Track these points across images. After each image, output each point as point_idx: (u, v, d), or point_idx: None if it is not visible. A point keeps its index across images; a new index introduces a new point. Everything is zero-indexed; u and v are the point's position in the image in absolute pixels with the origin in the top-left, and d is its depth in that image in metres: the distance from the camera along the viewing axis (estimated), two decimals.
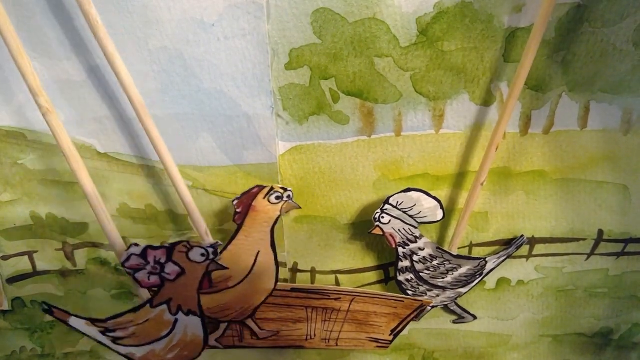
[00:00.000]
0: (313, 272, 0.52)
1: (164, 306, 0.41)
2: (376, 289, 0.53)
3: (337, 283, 0.53)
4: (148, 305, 0.41)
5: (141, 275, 0.39)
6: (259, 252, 0.45)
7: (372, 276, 0.53)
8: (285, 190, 0.44)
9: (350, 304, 0.51)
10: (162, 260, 0.39)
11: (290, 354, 0.57)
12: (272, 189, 0.44)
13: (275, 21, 0.40)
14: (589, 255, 0.52)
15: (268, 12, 0.40)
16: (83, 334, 0.42)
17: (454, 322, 0.55)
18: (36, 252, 0.52)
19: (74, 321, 0.42)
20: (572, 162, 0.47)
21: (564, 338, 0.58)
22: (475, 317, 0.54)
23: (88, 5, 0.36)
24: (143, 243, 0.50)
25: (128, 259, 0.38)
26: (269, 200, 0.44)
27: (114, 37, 0.40)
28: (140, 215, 0.49)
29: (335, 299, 0.50)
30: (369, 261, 0.52)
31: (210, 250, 0.40)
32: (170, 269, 0.39)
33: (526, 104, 0.44)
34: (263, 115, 0.44)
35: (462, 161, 0.47)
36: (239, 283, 0.46)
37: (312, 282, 0.53)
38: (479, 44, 0.42)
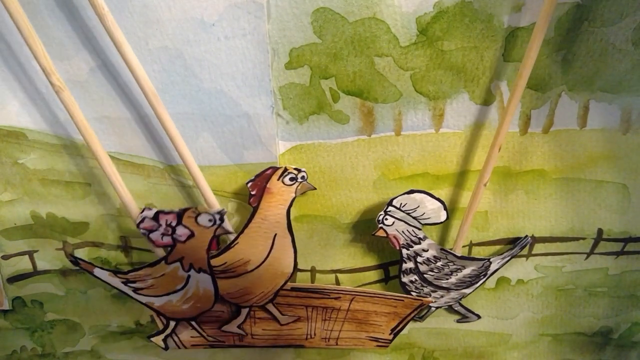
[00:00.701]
0: (313, 271, 0.52)
1: (177, 263, 0.45)
2: (376, 288, 0.53)
3: (337, 282, 0.53)
4: (163, 262, 0.45)
5: (155, 236, 0.43)
6: (275, 234, 0.45)
7: (372, 275, 0.53)
8: (299, 171, 0.44)
9: (350, 303, 0.51)
10: (173, 224, 0.42)
11: (290, 353, 0.57)
12: (285, 169, 0.44)
13: (276, 21, 0.40)
14: (589, 255, 0.52)
15: (268, 11, 0.40)
16: (107, 283, 0.46)
17: (458, 321, 0.55)
18: (36, 251, 0.52)
19: (98, 272, 0.46)
20: (572, 161, 0.47)
21: (563, 337, 0.58)
22: (479, 317, 0.54)
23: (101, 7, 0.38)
24: (144, 242, 0.50)
25: (142, 220, 0.42)
26: (283, 182, 0.44)
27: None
28: None
29: (335, 298, 0.50)
30: (369, 260, 0.52)
31: (217, 216, 0.43)
32: (181, 231, 0.43)
33: (526, 103, 0.45)
34: (263, 114, 0.44)
35: (462, 160, 0.47)
36: (257, 267, 0.46)
37: (312, 282, 0.53)
38: (478, 43, 0.42)
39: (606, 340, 0.58)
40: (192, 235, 0.43)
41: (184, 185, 0.48)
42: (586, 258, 0.52)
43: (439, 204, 0.45)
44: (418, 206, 0.45)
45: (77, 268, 0.46)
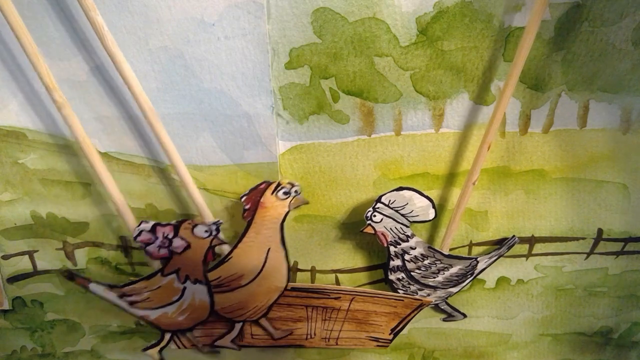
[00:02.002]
0: (313, 271, 0.53)
1: (174, 275, 0.45)
2: (376, 288, 0.53)
3: (337, 282, 0.53)
4: (159, 274, 0.45)
5: (151, 248, 0.43)
6: (269, 249, 0.45)
7: (372, 275, 0.53)
8: (293, 185, 0.44)
9: (350, 303, 0.51)
10: (170, 236, 0.43)
11: (290, 353, 0.57)
12: (279, 184, 0.44)
13: (276, 21, 0.40)
14: (589, 254, 0.52)
15: (268, 11, 0.40)
16: (103, 298, 0.47)
17: (444, 320, 0.55)
18: (37, 251, 0.52)
19: (94, 287, 0.47)
20: (572, 161, 0.47)
21: (563, 337, 0.58)
22: (465, 316, 0.54)
23: (94, 12, 0.38)
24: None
25: (139, 234, 0.43)
26: (277, 196, 0.44)
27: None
28: (141, 214, 0.49)
29: (335, 298, 0.50)
30: (369, 260, 0.52)
31: (213, 227, 0.44)
32: (178, 243, 0.43)
33: (526, 103, 0.45)
34: (263, 114, 0.44)
35: (462, 160, 0.47)
36: (251, 281, 0.46)
37: (312, 281, 0.53)
38: (478, 43, 0.42)
39: (606, 340, 0.58)
40: (188, 246, 0.44)
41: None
42: (586, 258, 0.52)
43: (427, 201, 0.45)
44: (407, 203, 0.45)
45: (77, 268, 0.46)
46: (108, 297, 0.47)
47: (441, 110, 0.45)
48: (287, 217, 0.49)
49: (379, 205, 0.45)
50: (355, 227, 0.50)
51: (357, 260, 0.52)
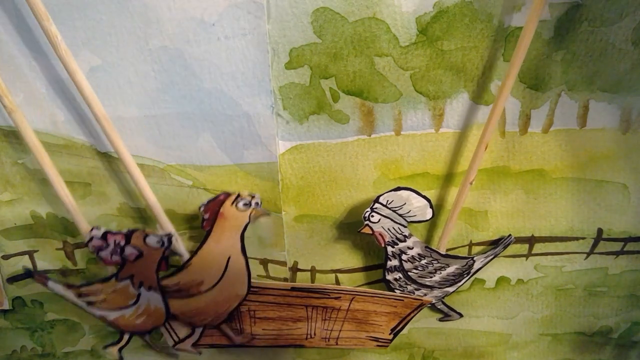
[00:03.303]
0: (313, 271, 0.53)
1: (128, 281, 0.46)
2: (376, 288, 0.53)
3: (337, 282, 0.53)
4: (114, 278, 0.46)
5: (104, 254, 0.44)
6: (229, 257, 0.46)
7: (372, 275, 0.53)
8: (253, 197, 0.44)
9: (350, 303, 0.51)
10: (122, 244, 0.44)
11: (290, 353, 0.57)
12: (238, 195, 0.44)
13: (275, 20, 0.40)
14: (589, 254, 0.52)
15: (268, 11, 0.40)
16: (61, 296, 0.47)
17: (440, 320, 0.55)
18: (36, 251, 0.52)
19: (52, 284, 0.48)
20: (572, 160, 0.47)
21: (563, 337, 0.58)
22: (461, 315, 0.54)
23: (47, 22, 0.38)
24: None
25: (90, 239, 0.44)
26: (236, 207, 0.44)
27: (114, 37, 0.41)
28: (141, 214, 0.49)
29: (335, 298, 0.50)
30: (369, 260, 0.52)
31: (165, 238, 0.45)
32: (129, 251, 0.44)
33: (525, 103, 0.45)
34: (263, 114, 0.44)
35: (462, 160, 0.47)
36: (210, 288, 0.47)
37: (312, 281, 0.53)
38: (478, 43, 0.42)
39: (606, 340, 0.58)
40: (140, 255, 0.45)
41: (183, 185, 0.48)
42: (586, 258, 0.52)
43: (425, 201, 0.45)
44: (404, 203, 0.45)
45: (77, 268, 0.47)
46: (67, 295, 0.47)
47: (441, 110, 0.45)
48: (287, 217, 0.49)
49: (376, 205, 0.45)
50: (355, 227, 0.50)
51: (357, 260, 0.52)
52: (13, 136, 0.46)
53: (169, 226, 0.47)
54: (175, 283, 0.47)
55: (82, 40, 0.41)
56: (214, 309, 0.48)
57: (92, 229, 0.44)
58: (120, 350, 0.50)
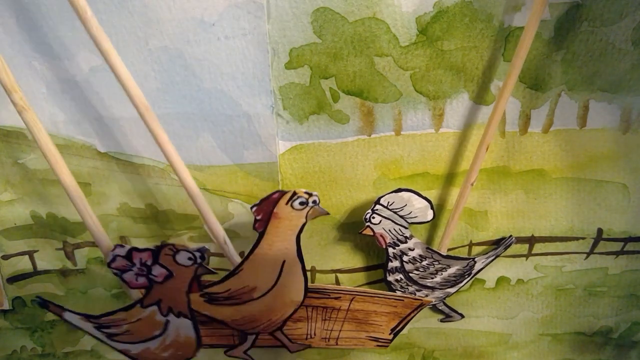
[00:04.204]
0: (313, 271, 0.53)
1: (155, 307, 0.41)
2: (376, 288, 0.53)
3: (337, 282, 0.53)
4: (139, 305, 0.41)
5: (129, 276, 0.39)
6: (284, 262, 0.43)
7: (372, 275, 0.53)
8: (311, 194, 0.40)
9: (350, 303, 0.51)
10: (149, 263, 0.39)
11: (290, 352, 0.57)
12: (294, 193, 0.40)
13: (275, 20, 0.40)
14: (589, 254, 0.52)
15: (268, 11, 0.40)
16: (79, 328, 0.43)
17: (442, 320, 0.55)
18: (36, 251, 0.52)
19: (68, 315, 0.43)
20: (572, 160, 0.47)
21: (563, 337, 0.58)
22: (462, 316, 0.54)
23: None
24: (144, 242, 0.50)
25: (113, 259, 0.38)
26: (292, 206, 0.40)
27: (114, 37, 0.41)
28: (141, 214, 0.49)
29: (335, 298, 0.50)
30: (369, 260, 0.52)
31: (198, 254, 0.39)
32: (158, 271, 0.39)
33: (525, 103, 0.45)
34: (263, 114, 0.44)
35: (462, 160, 0.47)
36: (264, 294, 0.44)
37: (312, 281, 0.53)
38: (478, 43, 0.42)
39: (606, 340, 0.58)
40: (170, 275, 0.39)
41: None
42: (586, 258, 0.52)
43: (426, 202, 0.45)
44: (405, 205, 0.45)
45: (77, 268, 0.46)
46: (84, 327, 0.43)
47: (441, 110, 0.45)
48: None
49: (377, 207, 0.45)
50: (355, 227, 0.50)
51: (357, 260, 0.52)
52: (13, 136, 0.46)
53: (217, 227, 0.43)
54: (226, 290, 0.43)
55: (82, 40, 0.41)
56: (267, 316, 0.45)
57: (114, 247, 0.38)
58: None
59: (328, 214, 0.43)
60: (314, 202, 0.41)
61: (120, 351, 0.43)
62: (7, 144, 0.46)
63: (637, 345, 0.58)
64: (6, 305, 0.54)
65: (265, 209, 0.40)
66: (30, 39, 0.41)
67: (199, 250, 0.39)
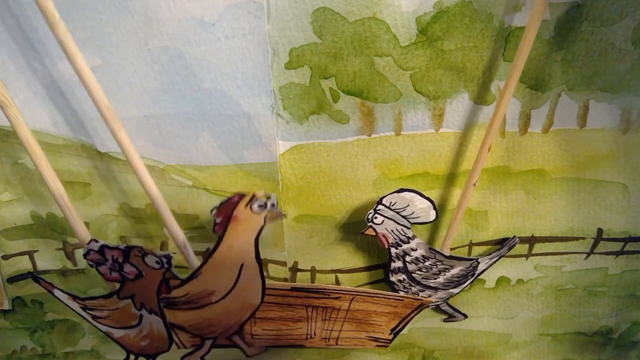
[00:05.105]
0: (313, 271, 0.53)
1: (129, 300, 0.44)
2: (376, 288, 0.53)
3: (337, 282, 0.53)
4: (116, 295, 0.44)
5: (103, 269, 0.42)
6: (242, 264, 0.43)
7: (372, 275, 0.53)
8: (269, 197, 0.41)
9: (350, 303, 0.51)
10: (120, 260, 0.41)
11: (290, 353, 0.57)
12: (253, 196, 0.40)
13: (276, 20, 0.40)
14: (589, 254, 0.52)
15: (268, 11, 0.40)
16: (67, 305, 0.46)
17: (445, 320, 0.55)
18: (37, 251, 0.52)
19: (58, 293, 0.46)
20: (572, 160, 0.47)
21: (563, 337, 0.58)
22: (466, 316, 0.54)
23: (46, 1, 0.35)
24: (144, 242, 0.51)
25: (88, 252, 0.41)
26: (251, 209, 0.41)
27: (114, 37, 0.41)
28: (141, 214, 0.49)
29: (335, 298, 0.50)
30: (369, 260, 0.52)
31: (164, 259, 0.41)
32: (128, 269, 0.41)
33: (525, 103, 0.45)
34: (263, 114, 0.44)
35: (462, 160, 0.47)
36: (222, 298, 0.44)
37: (312, 281, 0.53)
38: (478, 43, 0.42)
39: (606, 340, 0.58)
40: (140, 274, 0.41)
41: (183, 185, 0.48)
42: (586, 258, 0.52)
43: (428, 203, 0.45)
44: (408, 205, 0.45)
45: (77, 268, 0.46)
46: (71, 306, 0.46)
47: (441, 110, 0.45)
48: (287, 217, 0.49)
49: (380, 207, 0.45)
50: (355, 227, 0.50)
51: (357, 260, 0.52)
52: (13, 136, 0.46)
53: (177, 229, 0.44)
54: (185, 294, 0.44)
55: (82, 40, 0.41)
56: (225, 320, 0.46)
57: (89, 241, 0.40)
58: None
59: (285, 216, 0.44)
60: (272, 204, 0.41)
61: (105, 333, 0.47)
62: (7, 144, 0.46)
63: (637, 345, 0.58)
64: (6, 305, 0.54)
65: (225, 212, 0.41)
66: (30, 39, 0.41)
67: (165, 256, 0.41)
